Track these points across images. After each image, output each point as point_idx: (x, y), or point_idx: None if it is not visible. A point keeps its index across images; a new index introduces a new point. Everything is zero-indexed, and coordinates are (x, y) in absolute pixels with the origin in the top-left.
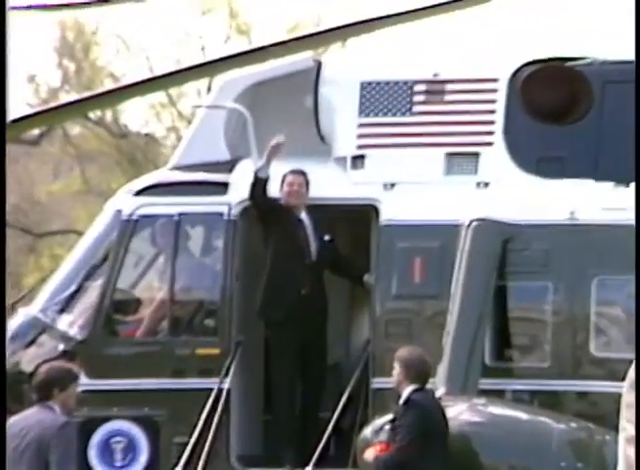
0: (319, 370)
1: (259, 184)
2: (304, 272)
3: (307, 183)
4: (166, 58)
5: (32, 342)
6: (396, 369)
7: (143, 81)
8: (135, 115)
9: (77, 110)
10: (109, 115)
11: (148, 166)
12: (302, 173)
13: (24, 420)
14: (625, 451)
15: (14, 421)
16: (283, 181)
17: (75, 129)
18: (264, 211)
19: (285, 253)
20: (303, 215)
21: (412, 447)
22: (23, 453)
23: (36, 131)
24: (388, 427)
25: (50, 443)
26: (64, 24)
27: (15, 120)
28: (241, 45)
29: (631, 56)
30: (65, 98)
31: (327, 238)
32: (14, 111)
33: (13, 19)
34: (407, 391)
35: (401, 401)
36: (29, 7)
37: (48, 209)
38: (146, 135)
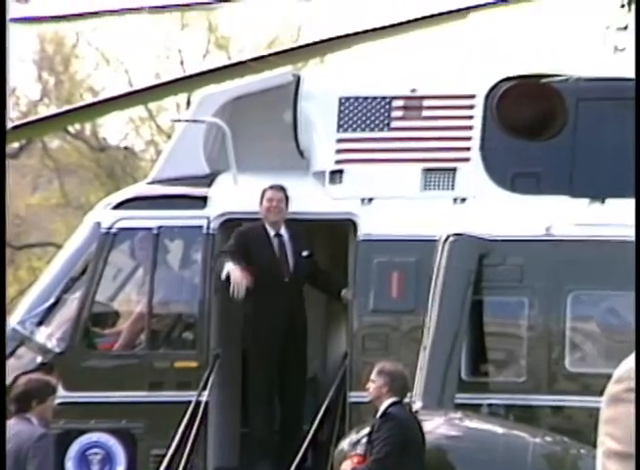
0: (297, 384)
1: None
2: (282, 288)
3: (287, 199)
4: (146, 72)
5: (11, 354)
6: (378, 382)
7: (122, 95)
8: (114, 128)
9: (57, 123)
10: (88, 128)
11: (127, 180)
12: (282, 189)
13: None
14: (604, 465)
15: None
16: (262, 196)
17: (55, 143)
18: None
19: (262, 270)
20: (283, 230)
21: (389, 460)
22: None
23: (15, 144)
24: (364, 440)
25: (27, 454)
26: (43, 37)
27: None
28: (220, 59)
29: (604, 73)
30: (44, 111)
31: (305, 253)
32: None
33: None
34: (385, 404)
35: (379, 414)
36: (27, 19)
37: (27, 221)
38: (125, 149)
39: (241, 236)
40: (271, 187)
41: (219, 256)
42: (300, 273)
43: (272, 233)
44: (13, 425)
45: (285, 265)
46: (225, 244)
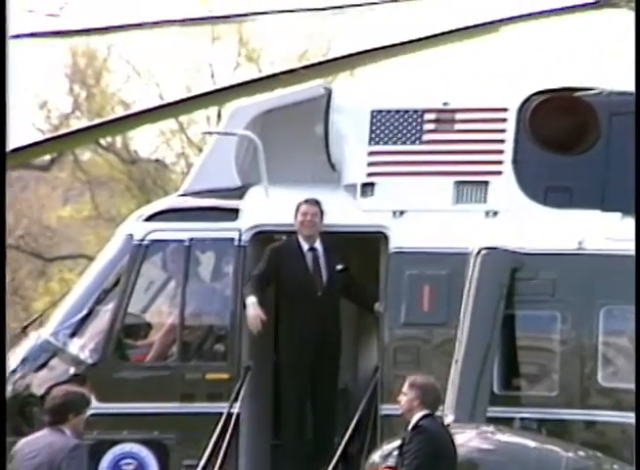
0: (328, 396)
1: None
2: (315, 301)
3: (321, 213)
4: (176, 85)
5: (43, 365)
6: (410, 395)
7: (154, 108)
8: (145, 141)
9: (89, 136)
10: (119, 141)
11: (157, 192)
12: (317, 203)
13: (35, 442)
14: None
15: (23, 443)
16: (297, 210)
17: (86, 155)
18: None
19: (295, 283)
20: (317, 244)
21: None
22: None
23: (47, 157)
24: (396, 452)
25: (61, 465)
26: (75, 51)
27: (24, 147)
28: (250, 72)
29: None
30: (75, 124)
31: (339, 267)
32: (25, 136)
33: (24, 45)
34: (417, 416)
35: (410, 427)
36: (32, 34)
37: (58, 233)
38: (156, 161)
39: (272, 253)
40: (306, 201)
41: (249, 279)
42: (334, 287)
43: (306, 247)
44: (45, 436)
45: (318, 279)
46: (257, 262)
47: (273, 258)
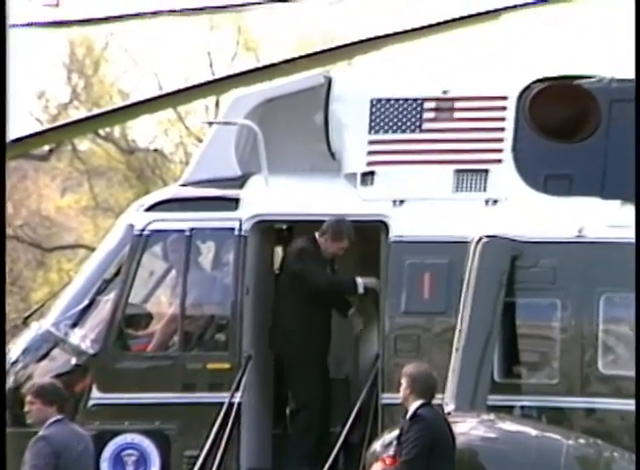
0: (329, 386)
1: None
2: (336, 304)
3: None
4: (175, 74)
5: (45, 355)
6: (403, 384)
7: (152, 99)
8: (143, 131)
9: (87, 127)
10: (117, 130)
11: (156, 182)
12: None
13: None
14: None
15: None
16: (337, 237)
17: (84, 145)
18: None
19: None
20: None
21: (417, 462)
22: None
23: (46, 147)
24: (395, 441)
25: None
26: (73, 41)
27: (24, 137)
28: (248, 62)
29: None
30: (74, 114)
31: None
32: (23, 127)
33: (23, 35)
34: (414, 406)
35: (408, 416)
36: (55, 23)
37: (57, 223)
38: (154, 151)
39: (311, 252)
40: (347, 233)
41: (316, 274)
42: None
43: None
44: (70, 424)
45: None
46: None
47: (314, 257)
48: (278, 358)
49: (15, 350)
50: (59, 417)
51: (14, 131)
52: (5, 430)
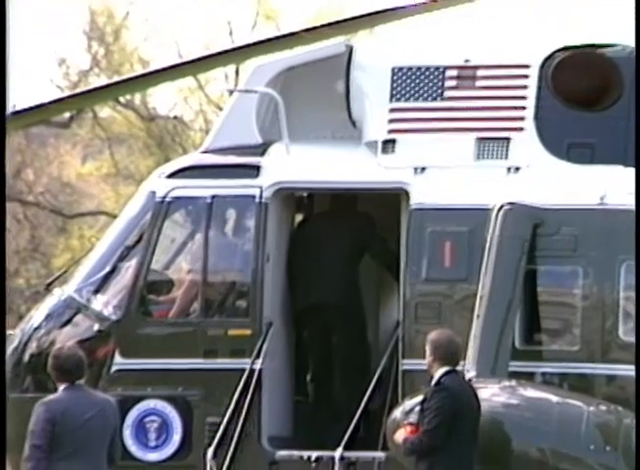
0: (350, 352)
1: None
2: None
3: None
4: (195, 43)
5: (68, 321)
6: (427, 351)
7: (173, 66)
8: (164, 98)
9: (108, 94)
10: (138, 98)
11: (176, 149)
12: None
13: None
14: None
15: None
16: None
17: (105, 112)
18: None
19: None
20: None
21: (439, 431)
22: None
23: (67, 114)
24: (417, 408)
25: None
26: (94, 10)
27: (45, 104)
28: (268, 31)
29: None
30: (94, 81)
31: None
32: (44, 93)
33: (43, 3)
34: (438, 373)
35: (432, 384)
36: None
37: (78, 190)
38: (174, 118)
39: None
40: None
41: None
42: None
43: None
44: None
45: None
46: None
47: None
48: (299, 326)
49: (37, 315)
50: (71, 384)
51: (36, 98)
52: (5, 429)
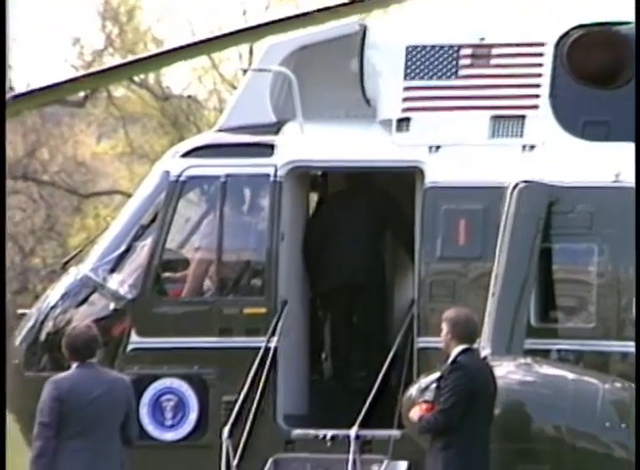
0: (365, 330)
1: None
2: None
3: None
4: (208, 22)
5: (84, 300)
6: (444, 330)
7: (187, 46)
8: (178, 77)
9: (122, 73)
10: (152, 77)
11: (190, 128)
12: None
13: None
14: None
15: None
16: None
17: (119, 91)
18: None
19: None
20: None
21: (455, 410)
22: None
23: (81, 93)
24: (433, 386)
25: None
26: None
27: (60, 83)
28: (281, 11)
29: None
30: (108, 61)
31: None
32: (59, 73)
33: None
34: (455, 351)
35: (449, 362)
36: None
37: (93, 170)
38: (188, 97)
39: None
40: None
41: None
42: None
43: None
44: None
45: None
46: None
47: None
48: (315, 305)
49: (54, 295)
50: (82, 362)
51: (50, 77)
52: (5, 429)
